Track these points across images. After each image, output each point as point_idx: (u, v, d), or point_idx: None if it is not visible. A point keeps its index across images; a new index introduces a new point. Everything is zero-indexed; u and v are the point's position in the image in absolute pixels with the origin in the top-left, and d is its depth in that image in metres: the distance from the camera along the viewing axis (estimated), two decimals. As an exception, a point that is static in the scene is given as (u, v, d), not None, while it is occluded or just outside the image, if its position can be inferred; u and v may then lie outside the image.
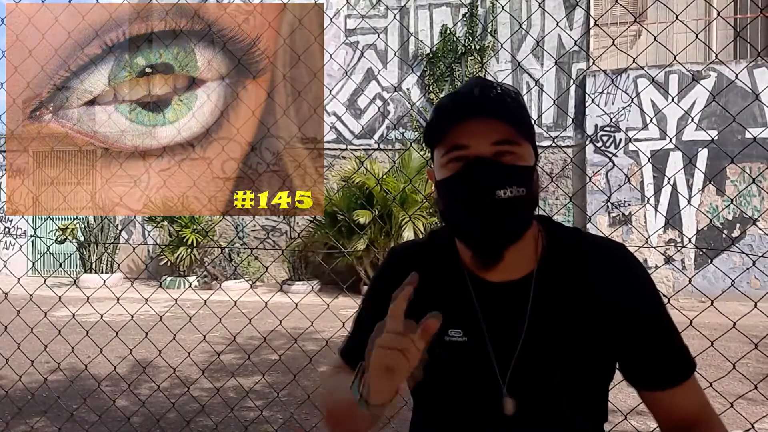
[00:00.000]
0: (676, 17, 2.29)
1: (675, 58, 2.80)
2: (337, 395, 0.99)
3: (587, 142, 9.76)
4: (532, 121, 0.97)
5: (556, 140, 9.87)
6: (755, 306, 2.24)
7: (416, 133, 10.59)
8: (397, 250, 1.12)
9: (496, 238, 0.91)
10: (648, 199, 9.35)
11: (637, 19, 9.72)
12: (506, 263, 0.95)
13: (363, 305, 1.11)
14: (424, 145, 1.00)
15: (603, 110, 9.53)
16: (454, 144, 0.91)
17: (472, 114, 0.90)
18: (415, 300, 0.98)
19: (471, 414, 0.97)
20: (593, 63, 4.02)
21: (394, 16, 10.70)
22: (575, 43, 3.20)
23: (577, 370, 0.95)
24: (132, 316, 3.04)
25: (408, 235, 8.68)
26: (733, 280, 2.89)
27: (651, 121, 9.22)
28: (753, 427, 2.13)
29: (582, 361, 0.95)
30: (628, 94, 9.39)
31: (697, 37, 2.44)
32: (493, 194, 0.88)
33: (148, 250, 12.01)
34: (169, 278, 10.67)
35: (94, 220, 11.43)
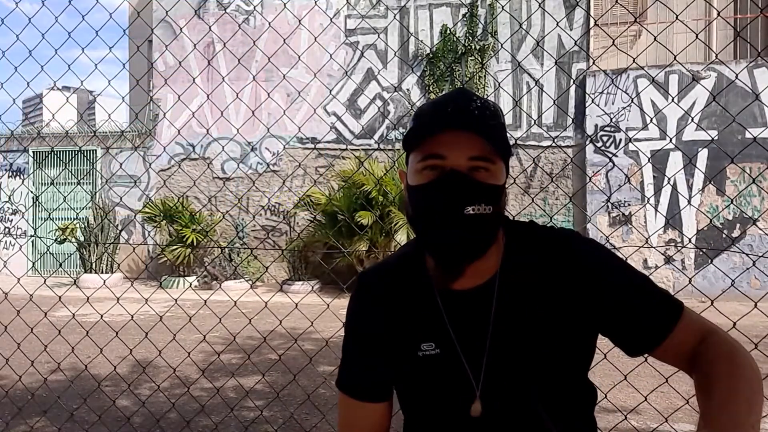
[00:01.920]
0: (676, 17, 2.30)
1: (675, 58, 2.80)
2: None
3: (587, 142, 9.76)
4: (509, 140, 0.98)
5: (556, 140, 9.87)
6: (755, 306, 2.24)
7: (416, 133, 10.58)
8: (367, 275, 1.13)
9: (459, 253, 0.93)
10: (648, 199, 9.35)
11: (637, 19, 9.72)
12: (470, 270, 0.97)
13: (348, 335, 1.12)
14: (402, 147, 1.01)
15: (603, 110, 9.53)
16: (431, 153, 0.93)
17: (453, 126, 0.91)
18: (387, 319, 1.04)
19: (449, 421, 1.00)
20: (593, 63, 4.02)
21: (394, 16, 10.70)
22: (575, 43, 3.21)
23: (550, 365, 0.96)
24: (132, 316, 3.04)
25: (401, 238, 8.65)
26: (733, 280, 2.89)
27: (651, 121, 9.22)
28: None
29: (553, 354, 0.96)
30: (628, 94, 9.39)
31: (697, 37, 2.44)
32: (462, 209, 0.90)
33: (148, 250, 12.01)
34: (168, 278, 10.67)
35: (94, 220, 11.42)
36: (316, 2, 10.28)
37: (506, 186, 0.98)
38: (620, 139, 9.55)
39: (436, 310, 1.01)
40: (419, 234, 0.98)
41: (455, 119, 0.92)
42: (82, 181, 12.14)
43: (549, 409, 0.97)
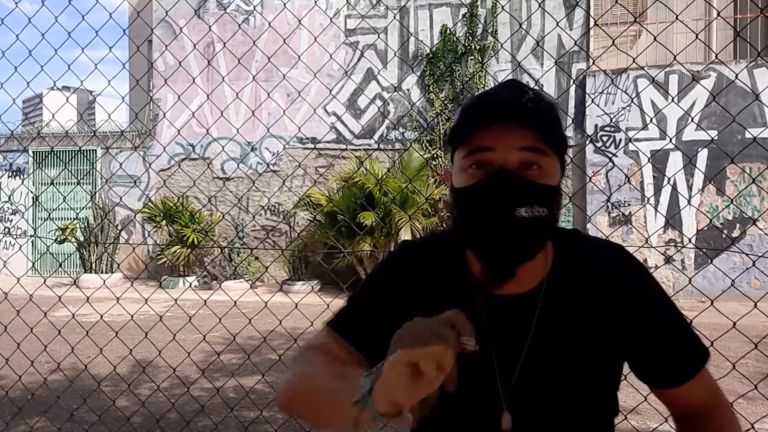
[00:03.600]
0: (676, 17, 2.30)
1: (675, 58, 2.80)
2: (319, 381, 0.88)
3: (587, 142, 9.75)
4: (565, 135, 0.91)
5: (556, 140, 9.85)
6: (755, 306, 2.24)
7: (416, 133, 10.59)
8: (410, 244, 1.09)
9: (509, 257, 0.87)
10: (648, 199, 9.35)
11: (637, 19, 9.72)
12: (515, 276, 0.92)
13: (364, 288, 1.06)
14: (446, 144, 0.97)
15: (603, 110, 9.53)
16: (478, 146, 0.86)
17: (502, 119, 0.85)
18: (424, 302, 0.95)
19: (469, 427, 0.95)
20: (593, 63, 4.03)
21: (394, 16, 10.70)
22: (575, 43, 3.21)
23: (582, 382, 0.94)
24: (132, 316, 3.05)
25: (406, 236, 8.64)
26: (733, 280, 2.89)
27: (651, 121, 9.22)
28: (753, 427, 2.13)
29: (587, 372, 0.94)
30: (628, 94, 9.39)
31: (697, 37, 2.45)
32: (514, 211, 0.83)
33: (148, 250, 12.00)
34: (168, 278, 10.67)
35: (94, 220, 11.42)
36: (316, 2, 10.28)
37: (561, 186, 0.91)
38: (620, 139, 9.55)
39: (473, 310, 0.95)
40: (466, 237, 0.92)
41: (505, 111, 0.85)
42: (82, 181, 12.14)
43: (576, 427, 0.94)
